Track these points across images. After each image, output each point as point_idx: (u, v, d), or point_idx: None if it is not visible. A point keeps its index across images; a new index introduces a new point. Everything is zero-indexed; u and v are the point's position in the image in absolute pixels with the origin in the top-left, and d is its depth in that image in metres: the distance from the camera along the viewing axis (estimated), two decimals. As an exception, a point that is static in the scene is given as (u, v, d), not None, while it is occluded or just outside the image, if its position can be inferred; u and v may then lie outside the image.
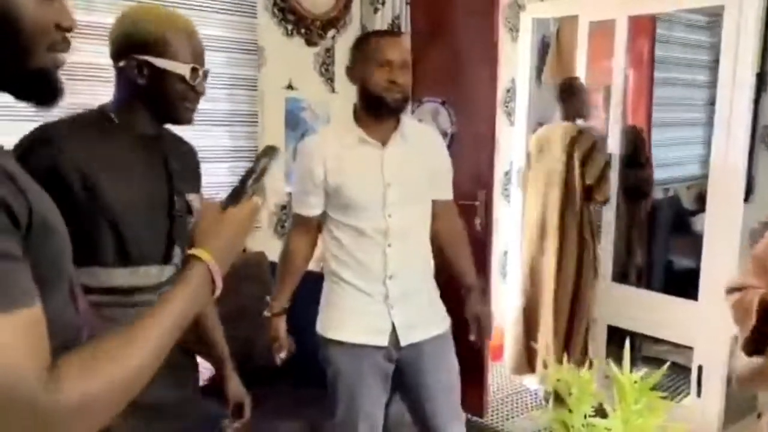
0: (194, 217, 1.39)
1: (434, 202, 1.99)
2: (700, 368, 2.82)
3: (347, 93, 3.03)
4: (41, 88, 0.76)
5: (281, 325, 1.96)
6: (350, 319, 1.90)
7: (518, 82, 3.61)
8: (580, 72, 3.30)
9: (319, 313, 1.96)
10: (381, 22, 3.00)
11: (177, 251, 1.35)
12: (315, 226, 1.94)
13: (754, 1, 2.53)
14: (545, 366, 1.18)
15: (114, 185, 1.25)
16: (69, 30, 0.77)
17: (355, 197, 1.84)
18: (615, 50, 3.10)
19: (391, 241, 1.87)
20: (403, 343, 1.91)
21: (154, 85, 1.28)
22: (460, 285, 2.04)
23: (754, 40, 2.55)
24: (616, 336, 3.11)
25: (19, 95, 0.76)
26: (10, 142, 1.06)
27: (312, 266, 2.06)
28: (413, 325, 1.92)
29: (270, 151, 0.96)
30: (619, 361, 1.05)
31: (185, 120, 1.33)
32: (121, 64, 1.29)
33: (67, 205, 1.19)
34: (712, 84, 4.09)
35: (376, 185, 1.85)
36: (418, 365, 1.94)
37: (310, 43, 2.94)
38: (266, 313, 1.95)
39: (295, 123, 2.94)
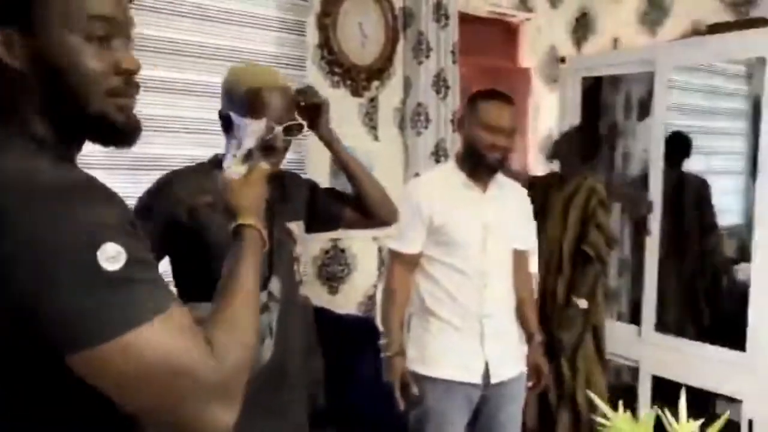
0: (297, 243, 1.50)
1: (514, 251, 2.10)
2: (750, 423, 2.75)
3: (390, 141, 3.15)
4: (103, 132, 0.79)
5: (404, 364, 1.98)
6: (444, 356, 1.97)
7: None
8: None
9: (408, 349, 2.02)
10: (425, 74, 3.10)
11: (274, 280, 1.41)
12: (414, 264, 2.02)
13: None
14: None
15: (218, 222, 1.32)
16: (130, 73, 0.79)
17: (457, 236, 1.95)
18: (655, 98, 3.13)
19: (488, 281, 1.97)
20: (493, 380, 1.98)
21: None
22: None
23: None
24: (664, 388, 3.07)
25: (89, 139, 0.81)
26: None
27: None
28: (503, 363, 2.01)
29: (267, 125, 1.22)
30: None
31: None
32: (219, 117, 1.43)
33: (182, 246, 1.31)
34: (748, 133, 4.15)
35: (477, 227, 1.97)
36: (499, 403, 2.01)
37: (355, 93, 3.05)
38: (385, 355, 1.99)
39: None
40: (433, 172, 2.23)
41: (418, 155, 3.15)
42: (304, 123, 1.44)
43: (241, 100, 1.36)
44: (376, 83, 3.10)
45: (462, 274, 1.96)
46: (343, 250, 3.04)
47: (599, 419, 1.28)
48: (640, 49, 3.30)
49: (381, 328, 2.07)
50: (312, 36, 2.90)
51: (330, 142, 1.55)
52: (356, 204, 1.60)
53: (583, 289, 2.87)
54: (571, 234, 2.92)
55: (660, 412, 1.28)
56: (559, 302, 2.93)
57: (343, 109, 3.01)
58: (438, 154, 3.19)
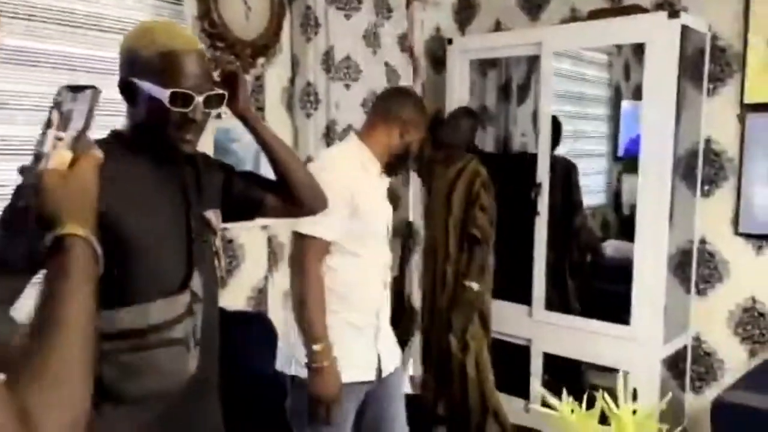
0: (217, 233, 1.30)
1: None
2: (634, 392, 2.88)
3: (278, 122, 2.94)
4: None
5: (338, 370, 1.73)
6: (344, 357, 1.77)
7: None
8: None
9: (297, 353, 1.79)
10: (314, 51, 2.92)
11: (196, 277, 1.21)
12: (326, 253, 1.78)
13: (674, 38, 2.69)
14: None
15: (135, 213, 1.13)
16: None
17: (374, 226, 1.83)
18: (542, 80, 3.19)
19: (387, 271, 1.90)
20: (384, 374, 1.87)
21: (143, 110, 1.16)
22: None
23: (675, 76, 2.70)
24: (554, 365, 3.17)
25: None
26: None
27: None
28: (390, 354, 1.92)
29: (94, 94, 0.82)
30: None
31: (180, 149, 1.19)
32: (118, 85, 1.18)
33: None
34: (608, 118, 4.37)
35: (385, 215, 1.89)
36: (387, 396, 1.91)
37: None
38: (317, 365, 1.71)
39: (225, 153, 2.77)
40: (344, 150, 1.93)
41: (308, 138, 2.97)
42: (226, 93, 1.23)
43: (152, 65, 1.13)
44: (261, 60, 2.88)
45: (371, 266, 1.84)
46: (230, 241, 2.80)
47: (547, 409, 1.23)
48: (528, 33, 3.34)
49: (306, 334, 1.74)
50: (191, 6, 2.62)
51: (248, 118, 1.34)
52: (279, 189, 1.40)
53: (475, 271, 2.91)
54: (455, 216, 2.97)
55: (602, 397, 1.25)
56: (449, 283, 2.99)
57: (226, 87, 2.77)
58: (329, 136, 3.03)
